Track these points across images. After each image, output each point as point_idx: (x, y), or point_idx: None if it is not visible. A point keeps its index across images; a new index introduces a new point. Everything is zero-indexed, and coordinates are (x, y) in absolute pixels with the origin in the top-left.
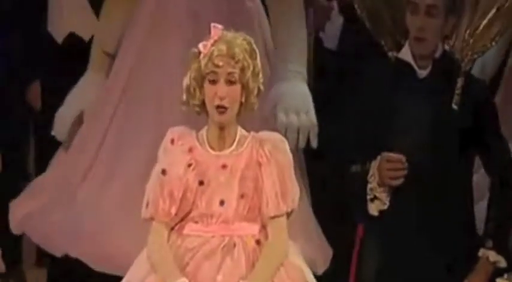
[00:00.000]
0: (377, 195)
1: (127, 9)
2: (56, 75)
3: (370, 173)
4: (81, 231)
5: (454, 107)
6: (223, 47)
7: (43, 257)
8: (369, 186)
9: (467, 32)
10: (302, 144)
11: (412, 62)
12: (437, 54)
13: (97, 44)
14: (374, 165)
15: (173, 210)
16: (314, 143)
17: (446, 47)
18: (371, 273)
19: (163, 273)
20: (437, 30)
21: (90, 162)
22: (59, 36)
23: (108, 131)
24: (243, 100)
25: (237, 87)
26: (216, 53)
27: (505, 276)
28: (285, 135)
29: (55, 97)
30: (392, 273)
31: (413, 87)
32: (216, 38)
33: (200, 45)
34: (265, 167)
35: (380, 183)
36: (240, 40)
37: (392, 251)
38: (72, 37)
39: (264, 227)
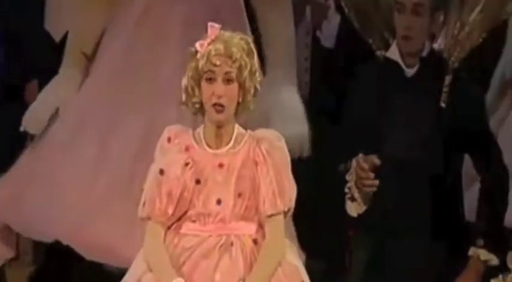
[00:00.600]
0: (354, 195)
1: (106, 9)
2: (54, 74)
3: (349, 171)
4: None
5: (442, 105)
6: (220, 46)
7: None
8: (347, 184)
9: (455, 29)
10: (306, 152)
11: (400, 61)
12: (425, 53)
13: (73, 43)
14: (353, 164)
15: (170, 210)
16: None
17: (434, 45)
18: (361, 267)
19: (159, 273)
20: (424, 29)
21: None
22: (57, 35)
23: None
24: (240, 99)
25: (235, 86)
26: (213, 52)
27: (500, 276)
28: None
29: None
30: (381, 269)
31: (401, 85)
32: (213, 37)
33: (197, 44)
34: (262, 165)
35: (356, 183)
36: (237, 39)
37: (381, 249)
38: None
39: (261, 226)
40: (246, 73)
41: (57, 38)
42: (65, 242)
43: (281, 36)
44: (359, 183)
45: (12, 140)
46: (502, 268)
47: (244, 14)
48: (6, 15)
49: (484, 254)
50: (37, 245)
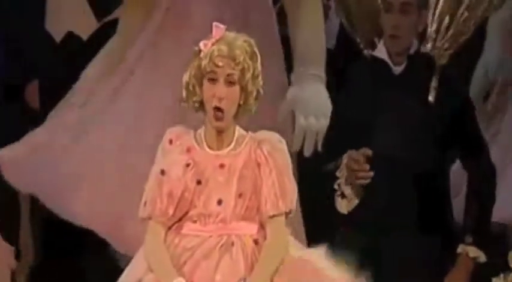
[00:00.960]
0: (344, 192)
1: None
2: (54, 74)
3: (340, 168)
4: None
5: (430, 99)
6: (224, 48)
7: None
8: (337, 181)
9: (442, 25)
10: (319, 147)
11: (387, 59)
12: (412, 51)
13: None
14: (343, 161)
15: (170, 210)
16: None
17: (422, 45)
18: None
19: (160, 273)
20: (412, 27)
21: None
22: (57, 35)
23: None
24: (241, 102)
25: (236, 89)
26: (216, 52)
27: (501, 275)
28: (302, 139)
29: (53, 96)
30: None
31: (389, 83)
32: (217, 37)
33: (201, 44)
34: (264, 167)
35: (347, 180)
36: (241, 41)
37: (369, 246)
38: (70, 36)
39: (262, 226)
40: (248, 76)
41: (58, 38)
42: (102, 235)
43: (311, 33)
44: (352, 177)
45: (12, 140)
46: (504, 267)
47: (274, 13)
48: (6, 15)
49: (473, 251)
50: (37, 244)
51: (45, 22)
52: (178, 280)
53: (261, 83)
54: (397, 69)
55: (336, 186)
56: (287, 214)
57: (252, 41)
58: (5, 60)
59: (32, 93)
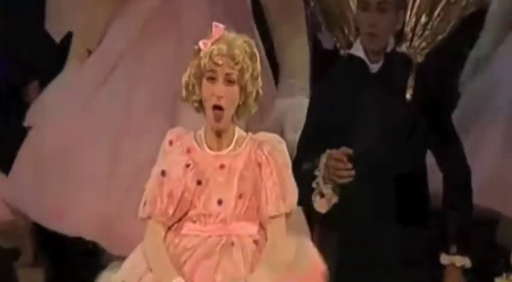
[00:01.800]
0: (323, 191)
1: (110, 6)
2: (54, 75)
3: (318, 167)
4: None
5: (408, 97)
6: (223, 47)
7: (40, 256)
8: (316, 180)
9: (419, 24)
10: None
11: (364, 57)
12: (389, 49)
13: (78, 40)
14: (322, 160)
15: (170, 210)
16: None
17: (399, 43)
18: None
19: (159, 273)
20: (389, 25)
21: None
22: (57, 35)
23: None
24: (241, 102)
25: (235, 88)
26: (216, 51)
27: (504, 275)
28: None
29: None
30: (351, 266)
31: (366, 82)
32: (217, 37)
33: (201, 43)
34: (265, 167)
35: (326, 179)
36: (240, 41)
37: (348, 244)
38: (70, 36)
39: (262, 227)
40: (247, 76)
41: (58, 38)
42: (90, 237)
43: (295, 46)
44: (332, 177)
45: (12, 140)
46: (507, 267)
47: (252, 20)
48: (6, 16)
49: (459, 260)
50: (37, 245)
51: (45, 22)
52: (178, 280)
53: (260, 84)
54: (374, 68)
55: (314, 185)
56: (287, 215)
57: (252, 42)
58: (5, 61)
59: (32, 94)
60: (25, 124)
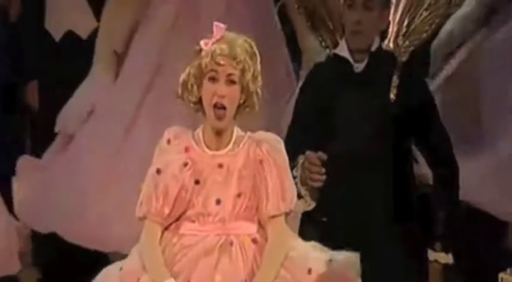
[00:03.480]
0: (301, 192)
1: (135, 9)
2: (54, 74)
3: (296, 167)
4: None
5: (392, 97)
6: (225, 47)
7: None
8: (294, 181)
9: (404, 23)
10: None
11: (349, 56)
12: (374, 48)
13: (105, 41)
14: (299, 161)
15: (166, 210)
16: None
17: (383, 42)
18: None
19: (152, 273)
20: (374, 24)
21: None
22: (57, 34)
23: (130, 130)
24: (241, 102)
25: (237, 88)
26: (217, 51)
27: (508, 271)
28: None
29: (52, 96)
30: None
31: (351, 81)
32: (218, 37)
33: (202, 43)
34: (265, 166)
35: (303, 180)
36: (241, 41)
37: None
38: (69, 35)
39: (261, 226)
40: (248, 76)
41: (57, 38)
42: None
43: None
44: (308, 179)
45: (12, 141)
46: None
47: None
48: (5, 16)
49: (443, 258)
50: (37, 246)
51: (45, 21)
52: (169, 281)
53: (259, 84)
54: (359, 67)
55: None
56: (287, 214)
57: (252, 42)
58: (4, 61)
59: (32, 94)
60: (57, 130)
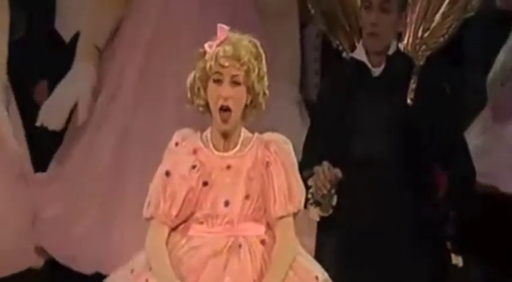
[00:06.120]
0: (319, 200)
1: (120, 4)
2: (64, 75)
3: (313, 177)
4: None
5: (409, 102)
6: (229, 48)
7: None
8: (310, 190)
9: (421, 27)
10: None
11: (366, 60)
12: (391, 51)
13: (86, 37)
14: (316, 170)
15: (173, 212)
16: None
17: (400, 45)
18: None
19: (158, 274)
20: (391, 26)
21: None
22: (67, 35)
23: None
24: (248, 102)
25: (242, 89)
26: (221, 53)
27: None
28: None
29: None
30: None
31: (369, 86)
32: (222, 38)
33: (206, 45)
34: (273, 167)
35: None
36: (245, 42)
37: (348, 251)
38: (79, 36)
39: (269, 226)
40: (253, 77)
41: (67, 38)
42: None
43: (286, 52)
44: (315, 187)
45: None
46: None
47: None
48: (16, 16)
49: (453, 259)
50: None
51: (55, 22)
52: None
53: (266, 83)
54: (376, 71)
55: (309, 195)
56: (295, 215)
57: (257, 42)
58: (14, 61)
59: (41, 94)
60: (38, 124)
